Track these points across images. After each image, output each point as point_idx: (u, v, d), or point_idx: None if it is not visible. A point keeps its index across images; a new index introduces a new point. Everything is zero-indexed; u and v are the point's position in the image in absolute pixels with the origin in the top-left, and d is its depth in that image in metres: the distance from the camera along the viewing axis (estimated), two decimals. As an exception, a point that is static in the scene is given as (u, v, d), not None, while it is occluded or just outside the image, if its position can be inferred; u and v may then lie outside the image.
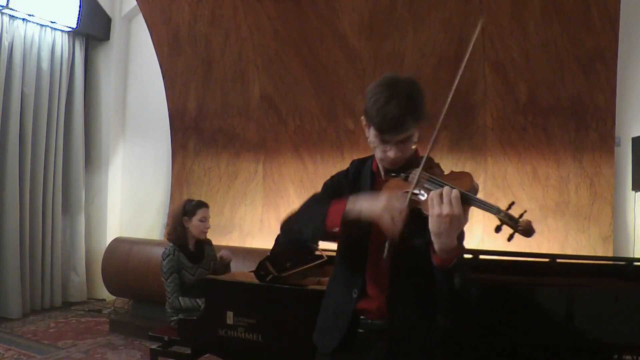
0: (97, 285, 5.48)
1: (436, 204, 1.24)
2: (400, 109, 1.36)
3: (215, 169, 5.31)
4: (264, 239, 4.83)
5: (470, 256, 2.77)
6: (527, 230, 1.21)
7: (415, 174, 1.39)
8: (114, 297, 5.14)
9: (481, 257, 2.75)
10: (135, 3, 5.30)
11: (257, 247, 4.61)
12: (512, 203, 1.26)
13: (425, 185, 1.36)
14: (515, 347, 2.35)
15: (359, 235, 1.50)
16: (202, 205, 3.26)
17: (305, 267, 2.78)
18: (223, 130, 5.23)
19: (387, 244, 1.35)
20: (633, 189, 3.67)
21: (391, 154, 1.43)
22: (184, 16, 5.04)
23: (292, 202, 4.87)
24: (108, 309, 5.19)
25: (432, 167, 1.45)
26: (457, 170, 1.47)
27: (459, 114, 4.24)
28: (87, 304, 5.47)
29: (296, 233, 1.54)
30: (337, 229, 1.41)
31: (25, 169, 4.95)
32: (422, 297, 1.47)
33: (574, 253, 3.75)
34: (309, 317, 2.40)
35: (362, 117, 1.49)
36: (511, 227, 1.23)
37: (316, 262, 2.82)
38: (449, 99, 1.44)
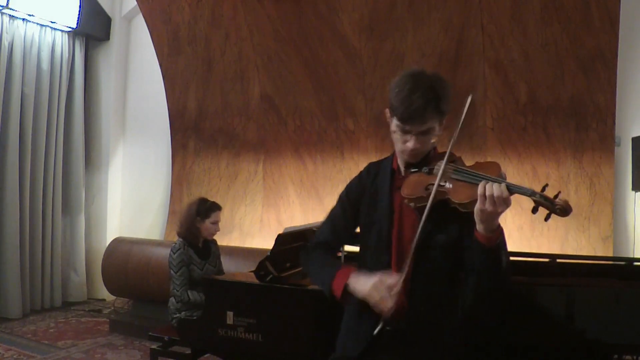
0: (97, 285, 5.48)
1: (490, 202, 1.26)
2: (423, 99, 1.39)
3: (215, 169, 5.31)
4: (264, 239, 4.83)
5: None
6: (565, 209, 1.23)
7: (440, 166, 1.42)
8: (114, 297, 5.14)
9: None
10: (135, 3, 5.31)
11: (257, 247, 4.61)
12: (546, 185, 1.28)
13: (453, 177, 1.39)
14: (516, 347, 2.35)
15: (381, 239, 1.53)
16: (216, 208, 3.29)
17: (305, 267, 2.77)
18: (223, 130, 5.24)
19: (381, 321, 1.39)
20: (633, 189, 3.66)
21: (410, 144, 1.45)
22: (184, 16, 5.04)
23: (292, 202, 4.87)
24: (108, 309, 5.19)
25: (454, 161, 1.47)
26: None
27: (459, 114, 4.23)
28: (87, 304, 5.47)
29: (312, 279, 1.61)
30: (339, 299, 1.47)
31: (25, 169, 4.94)
32: (443, 295, 1.49)
33: (574, 253, 3.75)
34: (309, 317, 2.41)
35: (386, 110, 1.52)
36: (547, 207, 1.25)
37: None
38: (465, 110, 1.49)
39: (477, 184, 1.32)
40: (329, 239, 1.62)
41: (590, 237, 3.83)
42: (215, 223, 3.28)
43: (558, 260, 2.73)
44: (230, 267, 3.95)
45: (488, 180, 1.30)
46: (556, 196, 1.25)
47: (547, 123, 3.98)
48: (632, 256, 3.62)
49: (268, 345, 2.46)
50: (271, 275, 2.58)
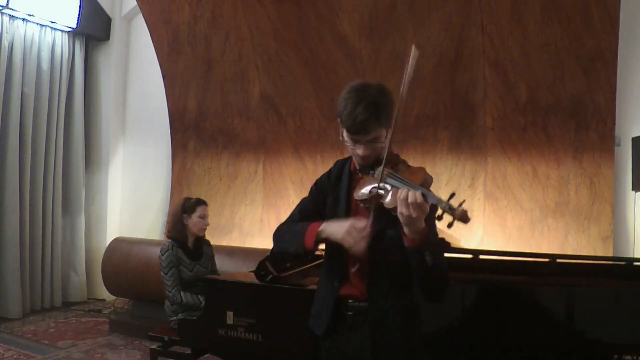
0: (97, 285, 5.48)
1: (404, 206, 1.38)
2: (366, 113, 1.52)
3: (215, 169, 5.31)
4: (264, 239, 4.83)
5: (470, 256, 2.78)
6: (462, 218, 1.33)
7: (380, 171, 1.55)
8: (114, 297, 5.14)
9: (481, 257, 2.75)
10: (135, 3, 5.30)
11: (257, 247, 4.62)
12: (453, 194, 1.39)
13: (389, 181, 1.52)
14: (516, 347, 2.35)
15: None
16: (201, 202, 3.30)
17: (305, 267, 2.78)
18: (223, 130, 5.23)
19: (357, 261, 1.53)
20: (633, 189, 3.66)
21: (360, 151, 1.59)
22: (184, 16, 5.04)
23: (292, 202, 4.86)
24: (108, 309, 5.19)
25: (397, 164, 1.60)
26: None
27: (459, 114, 4.23)
28: (87, 304, 5.47)
29: (283, 247, 1.76)
30: (312, 249, 1.60)
31: (25, 169, 4.95)
32: (399, 282, 1.62)
33: (574, 253, 3.75)
34: (309, 317, 2.40)
35: (338, 120, 1.64)
36: (450, 214, 1.35)
37: (316, 262, 2.82)
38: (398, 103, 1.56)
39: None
40: (297, 219, 1.76)
41: (590, 237, 3.83)
42: (203, 217, 3.27)
43: (558, 260, 2.73)
44: (230, 267, 3.95)
45: (410, 187, 1.41)
46: (460, 205, 1.34)
47: (547, 123, 3.98)
48: (632, 256, 3.62)
49: (268, 345, 2.46)
50: (271, 275, 2.58)
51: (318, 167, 4.73)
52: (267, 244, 3.05)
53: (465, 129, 4.22)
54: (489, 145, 4.16)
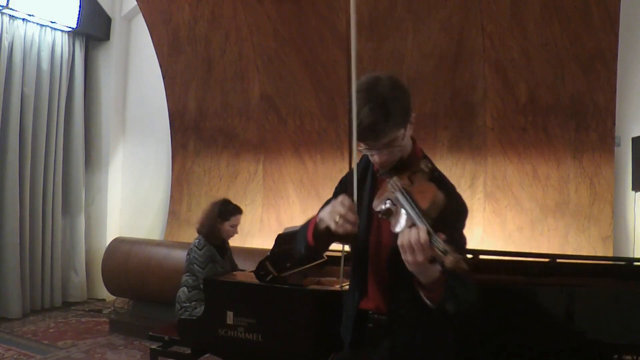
0: (97, 285, 5.48)
1: (408, 252, 1.17)
2: (372, 117, 1.28)
3: (215, 169, 5.30)
4: (264, 239, 4.83)
5: (470, 256, 2.77)
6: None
7: (394, 182, 1.33)
8: (114, 297, 5.14)
9: (481, 257, 2.75)
10: (135, 3, 5.30)
11: (257, 247, 4.62)
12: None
13: (399, 198, 1.27)
14: (516, 347, 2.35)
15: (360, 240, 1.50)
16: (238, 212, 3.31)
17: (305, 267, 2.78)
18: (223, 130, 5.23)
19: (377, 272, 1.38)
20: (633, 189, 3.66)
21: (376, 158, 1.39)
22: (184, 16, 5.04)
23: (292, 202, 4.86)
24: (108, 309, 5.18)
25: (416, 172, 1.36)
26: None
27: (459, 114, 4.24)
28: (87, 304, 5.47)
29: (294, 250, 1.57)
30: (313, 246, 1.43)
31: (25, 169, 4.94)
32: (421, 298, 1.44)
33: (574, 253, 3.75)
34: (309, 317, 2.41)
35: None
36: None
37: (316, 262, 2.82)
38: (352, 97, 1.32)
39: (404, 214, 1.23)
40: None
41: (590, 237, 3.83)
42: (234, 226, 3.29)
43: (558, 260, 2.73)
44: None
45: (416, 217, 1.18)
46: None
47: (547, 123, 3.98)
48: (632, 256, 3.62)
49: (268, 345, 2.46)
50: (271, 275, 2.59)
51: (318, 167, 4.73)
52: (267, 244, 3.06)
53: (465, 129, 4.23)
54: (489, 145, 4.16)
